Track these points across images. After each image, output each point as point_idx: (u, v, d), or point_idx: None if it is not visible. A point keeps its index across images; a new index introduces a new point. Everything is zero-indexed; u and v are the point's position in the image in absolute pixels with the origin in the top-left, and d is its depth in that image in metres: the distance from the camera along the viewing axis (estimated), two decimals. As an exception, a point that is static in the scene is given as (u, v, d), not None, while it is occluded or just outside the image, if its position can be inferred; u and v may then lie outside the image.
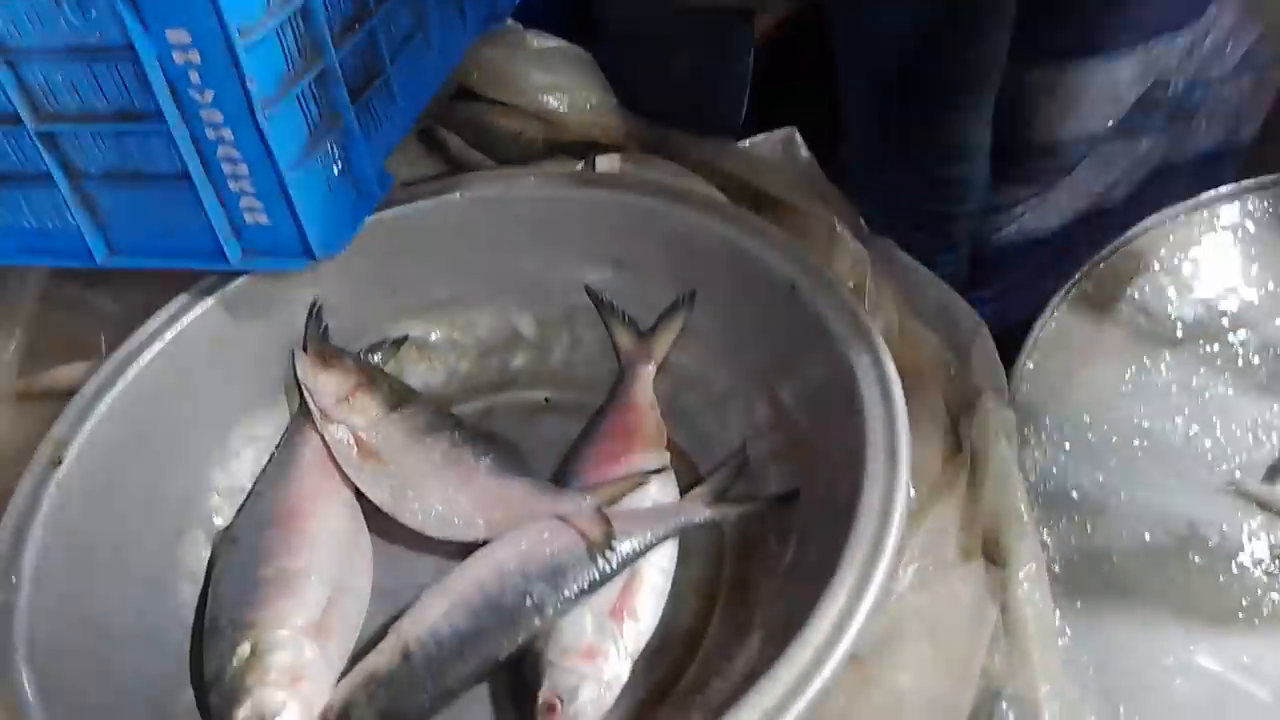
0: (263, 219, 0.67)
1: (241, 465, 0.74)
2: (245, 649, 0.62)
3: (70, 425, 0.66)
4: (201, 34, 0.58)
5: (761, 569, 0.66)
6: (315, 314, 0.77)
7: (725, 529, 0.71)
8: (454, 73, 0.88)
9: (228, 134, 0.62)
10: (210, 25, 0.57)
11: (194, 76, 0.60)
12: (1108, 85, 0.87)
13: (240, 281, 0.73)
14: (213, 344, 0.72)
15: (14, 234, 0.71)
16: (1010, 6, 0.81)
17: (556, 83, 0.91)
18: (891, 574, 0.55)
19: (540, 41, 0.92)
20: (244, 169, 0.64)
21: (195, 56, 0.59)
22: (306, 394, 0.74)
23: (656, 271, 0.77)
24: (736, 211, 0.75)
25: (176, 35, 0.58)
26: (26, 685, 0.54)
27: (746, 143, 0.88)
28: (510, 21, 0.93)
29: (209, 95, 0.61)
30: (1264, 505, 0.73)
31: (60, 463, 0.64)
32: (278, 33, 0.62)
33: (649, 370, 0.77)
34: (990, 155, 0.91)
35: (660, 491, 0.71)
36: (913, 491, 0.68)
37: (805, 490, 0.67)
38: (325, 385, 0.74)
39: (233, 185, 0.66)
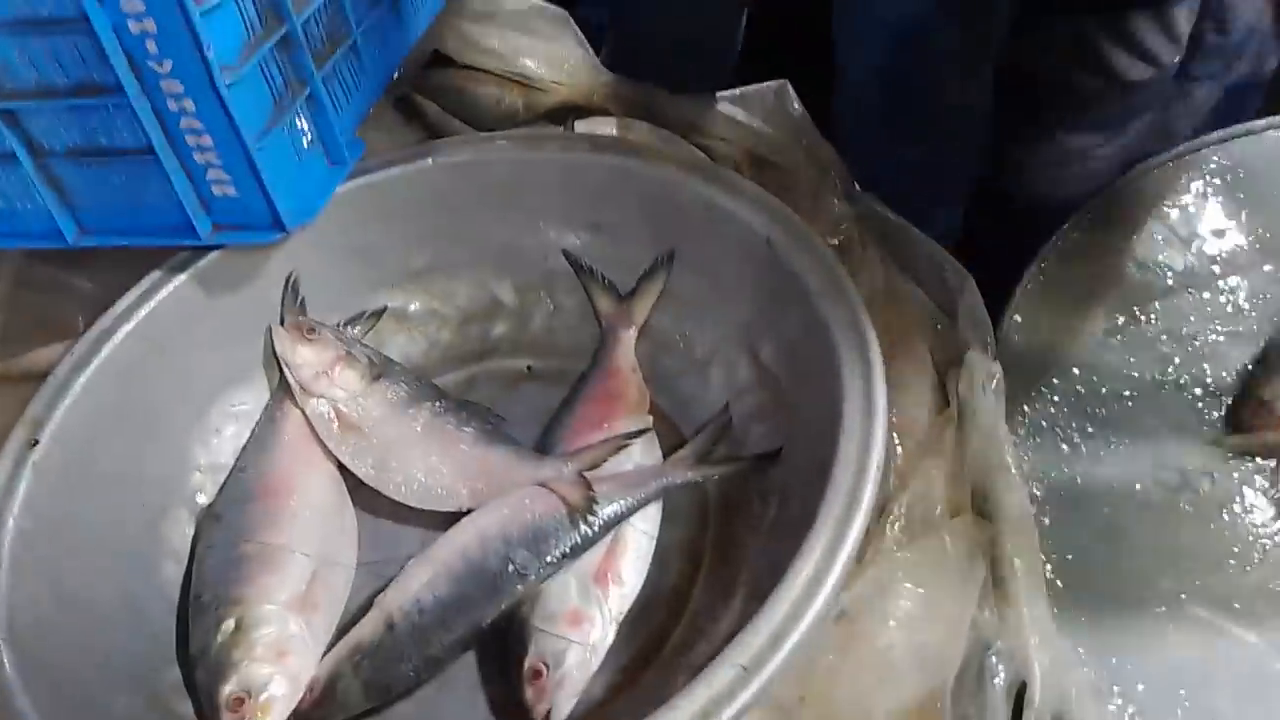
0: (231, 191, 0.66)
1: (222, 442, 0.74)
2: (230, 624, 0.62)
3: (45, 405, 0.65)
4: (156, 1, 0.57)
5: (746, 528, 0.66)
6: (292, 287, 0.76)
7: (709, 490, 0.70)
8: (427, 38, 0.87)
9: (189, 105, 0.61)
10: (165, -8, 0.56)
11: (151, 46, 0.59)
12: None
13: (213, 256, 0.72)
14: (188, 320, 0.72)
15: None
16: None
17: (533, 45, 0.89)
18: (866, 527, 0.54)
19: (515, 2, 0.90)
20: (208, 140, 0.63)
21: (151, 25, 0.58)
22: (285, 369, 0.74)
23: (634, 233, 0.76)
24: (713, 169, 0.73)
25: (131, 4, 0.57)
26: (7, 665, 0.54)
27: (738, 91, 0.87)
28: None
29: (167, 65, 0.60)
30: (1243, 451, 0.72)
31: (36, 443, 0.63)
32: (235, -2, 0.61)
33: (630, 334, 0.76)
34: (1059, 103, 0.90)
35: (643, 455, 0.70)
36: (900, 448, 0.68)
37: (787, 448, 0.66)
38: (304, 359, 0.74)
39: (198, 158, 0.65)
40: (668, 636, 0.64)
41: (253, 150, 0.63)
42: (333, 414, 0.73)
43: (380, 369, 0.75)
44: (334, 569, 0.67)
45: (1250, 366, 0.77)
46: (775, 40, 0.98)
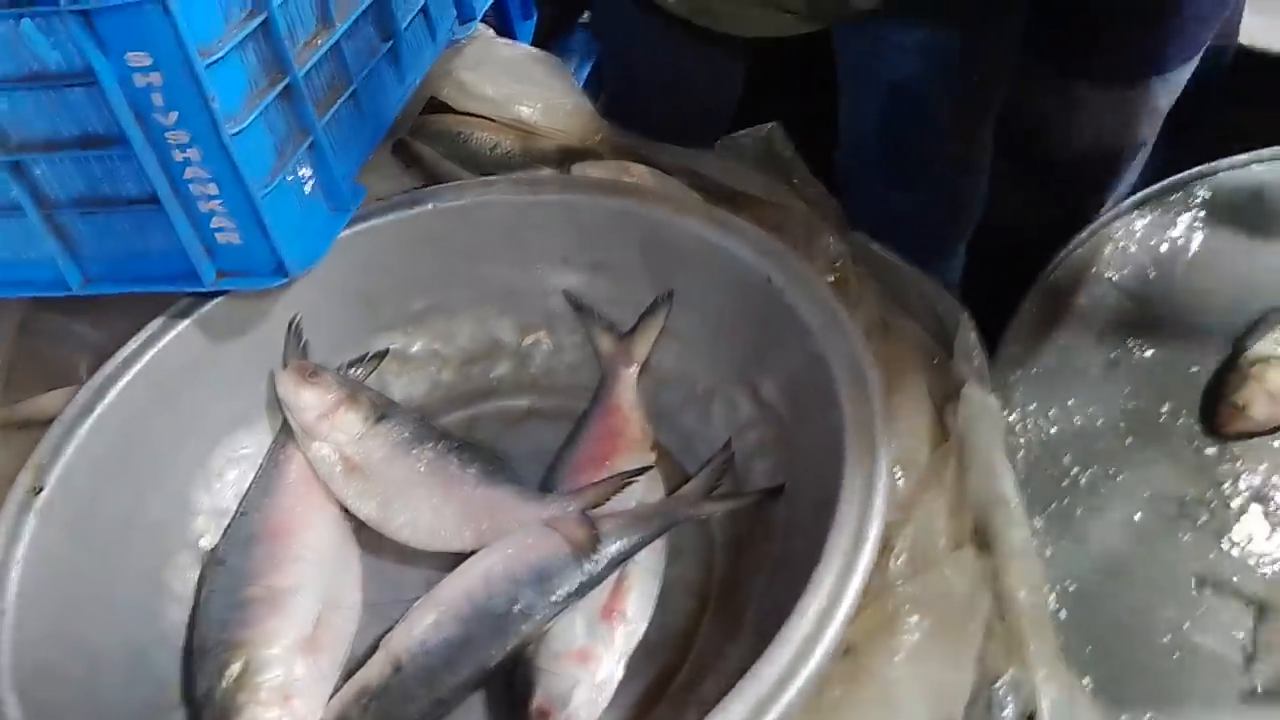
0: (235, 238, 0.67)
1: (225, 486, 0.74)
2: (236, 668, 0.62)
3: (50, 452, 0.66)
4: (162, 55, 0.58)
5: (751, 565, 0.66)
6: (294, 331, 0.77)
7: (714, 528, 0.71)
8: (425, 85, 0.88)
9: (195, 154, 0.62)
10: (170, 46, 0.57)
11: (157, 99, 0.60)
12: None
13: (217, 302, 0.73)
14: (191, 365, 0.72)
15: (-10, 271, 0.72)
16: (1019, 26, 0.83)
17: (529, 92, 0.91)
18: (873, 562, 0.55)
19: (510, 50, 0.92)
20: (213, 189, 0.64)
21: (157, 78, 0.59)
22: (288, 412, 0.74)
23: (634, 273, 0.77)
24: (711, 209, 0.75)
25: (137, 58, 0.58)
26: (14, 711, 0.54)
27: (730, 138, 0.88)
28: (481, 26, 0.93)
29: (173, 116, 0.61)
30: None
31: (41, 490, 0.64)
32: (239, 50, 0.62)
33: (631, 372, 0.77)
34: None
35: (646, 493, 0.71)
36: (901, 481, 0.68)
37: (790, 484, 0.67)
38: (307, 402, 0.74)
39: (203, 206, 0.65)
40: (675, 674, 0.64)
41: (257, 198, 0.64)
42: (336, 457, 0.73)
43: (383, 410, 0.75)
44: (339, 611, 0.67)
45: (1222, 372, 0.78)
46: (768, 85, 1.00)
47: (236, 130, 0.62)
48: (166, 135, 0.61)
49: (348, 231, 0.73)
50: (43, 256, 0.69)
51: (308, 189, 0.70)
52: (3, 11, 0.58)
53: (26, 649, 0.57)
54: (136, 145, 0.62)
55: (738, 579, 0.67)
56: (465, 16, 0.92)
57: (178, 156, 0.63)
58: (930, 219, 0.99)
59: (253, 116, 0.63)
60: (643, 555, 0.67)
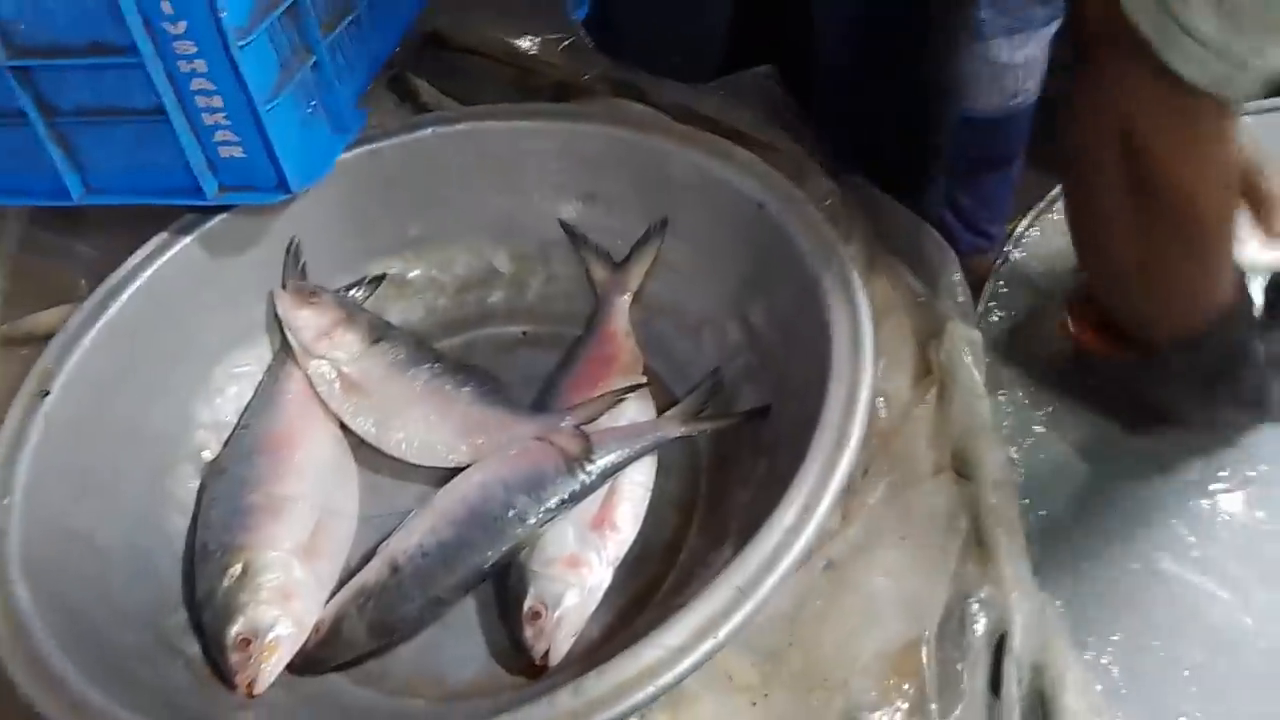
0: (238, 152, 0.68)
1: (225, 401, 0.75)
2: (237, 569, 0.64)
3: (56, 358, 0.67)
4: (172, -38, 0.59)
5: (736, 481, 0.68)
6: (293, 253, 0.78)
7: (701, 446, 0.73)
8: (423, 18, 0.89)
9: (201, 65, 0.63)
10: (180, -47, 0.58)
11: (166, 7, 0.61)
12: None
13: (217, 220, 0.74)
14: (193, 282, 0.73)
15: (-11, 173, 0.73)
16: None
17: (525, 27, 0.92)
18: (853, 465, 0.56)
19: (508, -15, 0.92)
20: (218, 101, 0.65)
21: (166, -15, 0.60)
22: (287, 331, 0.76)
23: (629, 202, 0.78)
24: (705, 137, 0.76)
25: (147, -35, 0.59)
26: (24, 597, 0.56)
27: (726, 79, 0.89)
28: (478, -39, 0.94)
29: (181, 26, 0.62)
30: None
31: (47, 394, 0.65)
32: (247, -38, 0.63)
33: (625, 300, 0.78)
34: None
35: (637, 413, 0.72)
36: (884, 412, 0.70)
37: (776, 405, 0.69)
38: (305, 322, 0.75)
39: (207, 119, 0.67)
40: (662, 581, 0.66)
41: (261, 112, 0.65)
42: (334, 375, 0.74)
43: (380, 332, 0.77)
44: (337, 518, 0.69)
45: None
46: (762, 31, 1.01)
47: (243, 43, 0.63)
48: (174, 45, 0.62)
49: (348, 154, 0.75)
50: (45, 166, 0.70)
51: (310, 108, 0.71)
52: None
53: (35, 541, 0.59)
54: (145, 55, 0.63)
55: (724, 494, 0.69)
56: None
57: (184, 67, 0.64)
58: (910, 133, 0.99)
59: (259, 30, 0.64)
60: (633, 470, 0.68)
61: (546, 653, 0.61)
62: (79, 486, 0.64)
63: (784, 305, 0.69)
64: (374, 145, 0.77)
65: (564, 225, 0.81)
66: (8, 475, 0.61)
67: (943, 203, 1.08)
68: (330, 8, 0.72)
